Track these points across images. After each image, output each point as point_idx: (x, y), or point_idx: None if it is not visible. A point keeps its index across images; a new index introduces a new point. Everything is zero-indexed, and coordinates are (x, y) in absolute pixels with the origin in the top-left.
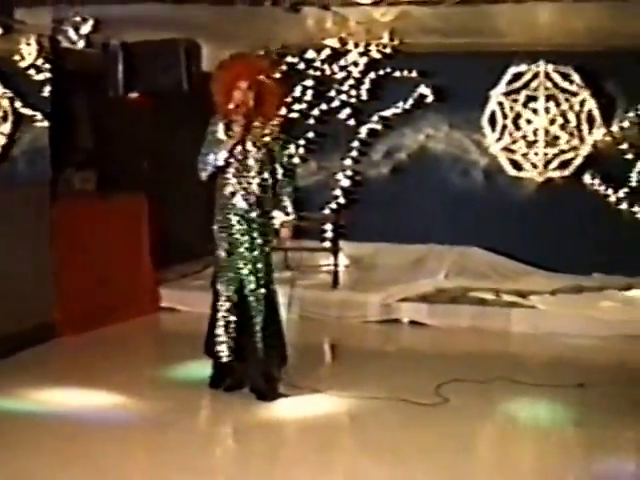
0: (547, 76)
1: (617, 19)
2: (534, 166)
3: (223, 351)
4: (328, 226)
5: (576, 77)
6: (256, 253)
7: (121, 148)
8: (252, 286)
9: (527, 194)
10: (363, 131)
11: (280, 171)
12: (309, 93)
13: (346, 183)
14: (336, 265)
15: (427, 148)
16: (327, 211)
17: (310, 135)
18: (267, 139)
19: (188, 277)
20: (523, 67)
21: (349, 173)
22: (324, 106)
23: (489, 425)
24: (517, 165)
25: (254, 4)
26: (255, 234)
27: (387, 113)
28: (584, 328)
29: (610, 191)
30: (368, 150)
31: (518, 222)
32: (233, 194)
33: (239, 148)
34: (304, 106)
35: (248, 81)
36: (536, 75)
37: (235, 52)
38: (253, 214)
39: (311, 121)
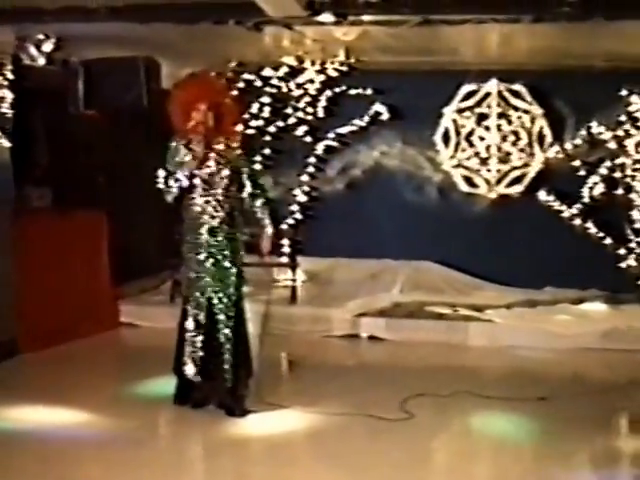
0: (499, 94)
1: (566, 39)
2: (487, 182)
3: (190, 369)
4: (285, 241)
5: (527, 95)
6: (226, 271)
7: (79, 164)
8: (221, 305)
9: (480, 210)
10: (319, 148)
11: (248, 186)
12: (266, 110)
13: (303, 199)
14: (294, 280)
15: (382, 164)
16: (284, 227)
17: (267, 151)
18: (230, 156)
19: (147, 292)
20: (476, 85)
21: (305, 189)
22: (281, 123)
23: (453, 439)
24: (470, 181)
25: (218, 23)
26: (226, 252)
27: (343, 130)
28: (540, 341)
29: (564, 207)
30: (324, 166)
31: (471, 237)
32: (201, 213)
33: (203, 168)
34: (261, 123)
35: (207, 102)
36: (488, 93)
37: (192, 72)
38: (222, 232)
39: (268, 138)
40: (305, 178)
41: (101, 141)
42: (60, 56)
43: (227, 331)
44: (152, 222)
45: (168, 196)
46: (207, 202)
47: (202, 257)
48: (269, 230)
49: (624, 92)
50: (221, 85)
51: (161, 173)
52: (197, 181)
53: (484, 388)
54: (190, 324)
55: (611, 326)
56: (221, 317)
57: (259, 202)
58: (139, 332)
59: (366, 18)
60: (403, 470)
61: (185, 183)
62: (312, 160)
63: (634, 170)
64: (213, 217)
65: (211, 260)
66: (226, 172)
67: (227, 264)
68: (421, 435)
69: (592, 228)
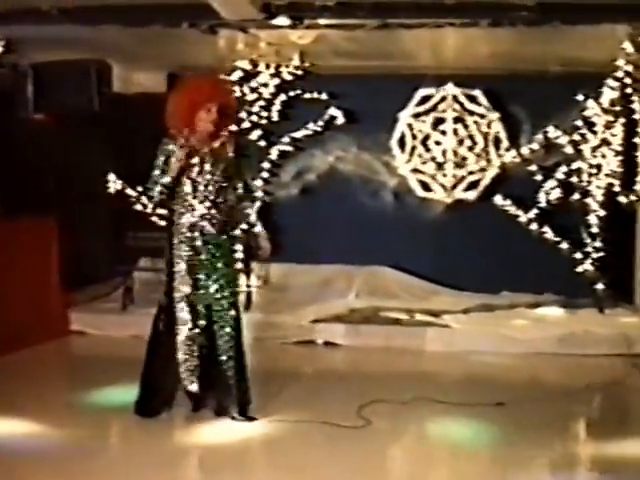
0: (455, 99)
1: (523, 44)
2: (443, 187)
3: (191, 380)
4: (239, 247)
5: (483, 100)
6: (223, 274)
7: (28, 170)
8: (221, 311)
9: (436, 214)
10: (273, 152)
11: (239, 188)
12: None
13: (256, 204)
14: (249, 286)
15: (337, 169)
16: (237, 232)
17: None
18: (225, 157)
19: (98, 300)
20: (431, 90)
21: (260, 194)
22: (234, 127)
23: (411, 446)
24: (426, 186)
25: (171, 25)
26: (222, 254)
27: (297, 134)
28: (497, 346)
29: (520, 212)
30: (278, 171)
31: (427, 242)
32: (200, 218)
33: (200, 172)
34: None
35: (218, 103)
36: (444, 98)
37: (194, 73)
38: (220, 237)
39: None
40: (259, 183)
41: (51, 146)
42: (10, 59)
43: (227, 338)
44: (103, 228)
45: (151, 198)
46: (208, 208)
47: (198, 261)
48: (262, 230)
49: (580, 97)
50: (227, 86)
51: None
52: (188, 183)
53: (441, 394)
54: (183, 333)
55: (568, 331)
56: (221, 323)
57: (249, 203)
58: (90, 340)
59: (322, 22)
60: (361, 477)
61: (166, 180)
62: (266, 165)
63: (590, 175)
64: (213, 223)
65: (208, 264)
66: (220, 174)
67: (223, 266)
68: (379, 442)
69: (548, 233)
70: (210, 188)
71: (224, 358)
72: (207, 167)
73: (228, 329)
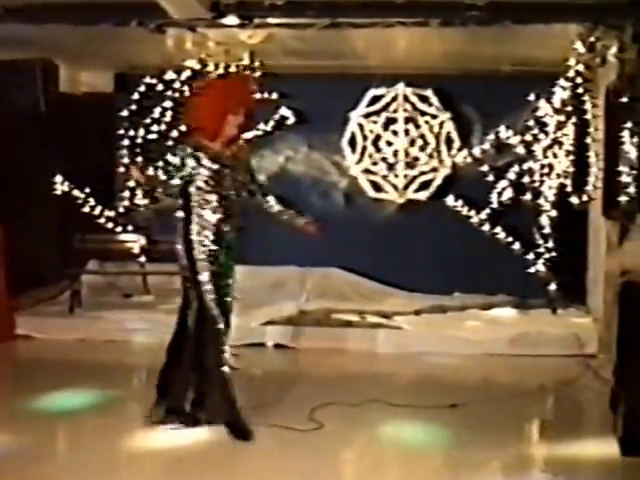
0: (406, 98)
1: (474, 43)
2: (394, 188)
3: None
4: None
5: (435, 100)
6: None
7: None
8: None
9: (388, 215)
10: None
11: (253, 184)
12: (168, 114)
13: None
14: None
15: (287, 170)
16: None
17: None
18: (245, 162)
19: (45, 303)
20: (383, 89)
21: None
22: (183, 127)
23: (363, 449)
24: (377, 187)
25: (119, 24)
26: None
27: (247, 135)
28: (450, 347)
29: (472, 212)
30: None
31: (379, 243)
32: (222, 222)
33: (223, 177)
34: (163, 127)
35: (246, 106)
36: (396, 97)
37: (221, 73)
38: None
39: (170, 143)
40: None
41: None
42: None
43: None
44: (51, 230)
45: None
46: (222, 207)
47: (221, 268)
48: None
49: (532, 97)
50: (253, 88)
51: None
52: (209, 188)
53: (394, 396)
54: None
55: (520, 331)
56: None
57: (269, 199)
58: (36, 344)
59: (272, 21)
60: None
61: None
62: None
63: (542, 175)
64: (228, 218)
65: (230, 262)
66: (239, 177)
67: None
68: (330, 445)
69: (500, 233)
70: (232, 192)
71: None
72: (228, 171)
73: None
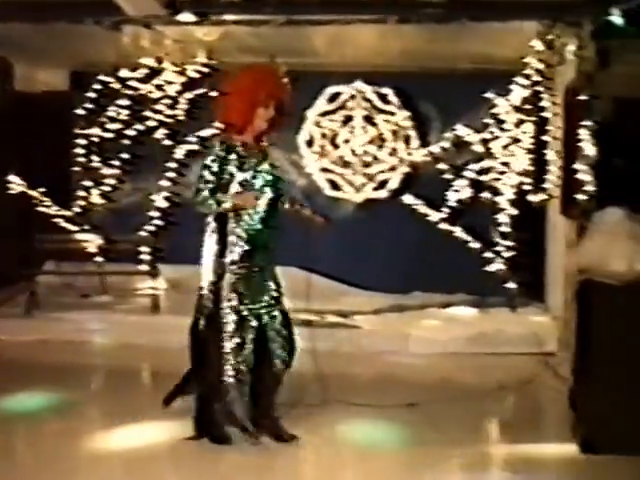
0: (364, 96)
1: (432, 41)
2: (352, 186)
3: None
4: (145, 249)
5: (393, 97)
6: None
7: None
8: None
9: (346, 214)
10: (180, 151)
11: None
12: (124, 113)
13: (163, 204)
14: (155, 289)
15: None
16: (144, 233)
17: (125, 156)
18: (273, 158)
19: (1, 305)
20: (340, 87)
21: (166, 194)
22: (140, 126)
23: (322, 448)
24: (335, 185)
25: (74, 22)
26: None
27: (204, 133)
28: (409, 346)
29: (430, 211)
30: (185, 171)
31: (337, 242)
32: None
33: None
34: (119, 126)
35: (276, 100)
36: (353, 96)
37: (252, 63)
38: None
39: (126, 141)
40: (165, 183)
41: None
42: None
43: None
44: (7, 230)
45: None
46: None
47: (252, 271)
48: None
49: (490, 94)
50: (284, 79)
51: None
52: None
53: (353, 395)
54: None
55: (479, 330)
56: (271, 334)
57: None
58: None
59: (228, 18)
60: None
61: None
62: (172, 165)
63: (500, 173)
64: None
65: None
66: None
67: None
68: (289, 445)
69: (459, 232)
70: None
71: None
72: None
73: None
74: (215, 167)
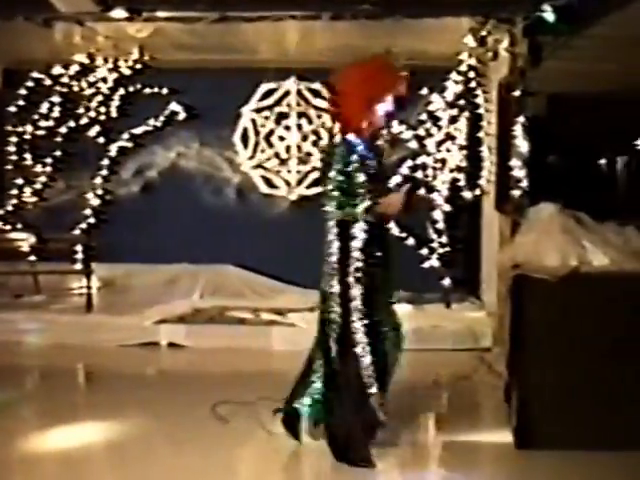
0: (299, 93)
1: (366, 37)
2: (287, 183)
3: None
4: (79, 247)
5: (327, 94)
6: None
7: None
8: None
9: (281, 211)
10: (113, 149)
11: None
12: (56, 110)
13: (96, 202)
14: (89, 288)
15: (178, 166)
16: (77, 232)
17: (58, 153)
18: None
19: None
20: (275, 84)
21: (99, 192)
22: (72, 123)
23: (259, 446)
24: (270, 182)
25: (5, 18)
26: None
27: (137, 130)
28: None
29: None
30: (118, 168)
31: (272, 239)
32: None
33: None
34: (51, 123)
35: (394, 94)
36: (288, 92)
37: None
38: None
39: (59, 139)
40: (98, 181)
41: None
42: None
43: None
44: None
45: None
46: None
47: (375, 276)
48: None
49: (425, 91)
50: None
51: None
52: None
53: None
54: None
55: (415, 326)
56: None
57: None
58: None
59: (161, 14)
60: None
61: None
62: (105, 162)
63: (435, 170)
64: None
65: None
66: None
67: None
68: (227, 443)
69: (394, 229)
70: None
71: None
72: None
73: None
74: (343, 170)
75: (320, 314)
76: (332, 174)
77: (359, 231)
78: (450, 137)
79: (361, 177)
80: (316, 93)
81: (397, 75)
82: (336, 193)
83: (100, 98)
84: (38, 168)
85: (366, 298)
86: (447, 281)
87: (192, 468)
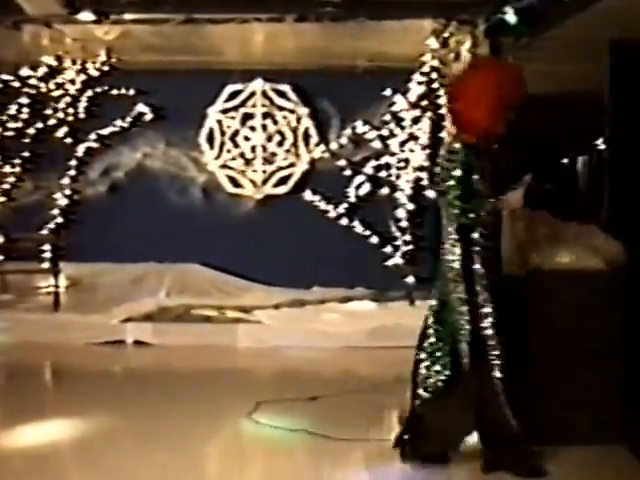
0: (264, 94)
1: (331, 39)
2: (252, 183)
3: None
4: (47, 247)
5: (292, 95)
6: None
7: None
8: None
9: (247, 210)
10: (80, 150)
11: None
12: (25, 111)
13: (64, 202)
14: (57, 287)
15: (145, 166)
16: (45, 232)
17: (26, 154)
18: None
19: None
20: (240, 85)
21: (67, 192)
22: (40, 124)
23: (224, 443)
24: (236, 182)
25: None
26: None
27: (105, 131)
28: (309, 341)
29: (330, 207)
30: (86, 169)
31: (238, 238)
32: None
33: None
34: (19, 125)
35: (517, 101)
36: (253, 93)
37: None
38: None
39: (27, 140)
40: (66, 181)
41: None
42: None
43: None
44: None
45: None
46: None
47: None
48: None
49: (388, 92)
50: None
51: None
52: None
53: (255, 390)
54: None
55: (379, 323)
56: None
57: None
58: None
59: (128, 17)
60: (175, 478)
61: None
62: (73, 162)
63: (398, 169)
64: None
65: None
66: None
67: None
68: (192, 440)
69: (358, 227)
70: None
71: None
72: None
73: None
74: (465, 175)
75: (436, 319)
76: (452, 180)
77: (481, 235)
78: (413, 137)
79: (482, 181)
80: (281, 94)
81: (522, 82)
82: (457, 199)
83: (68, 99)
84: (7, 169)
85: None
86: (411, 279)
87: (159, 464)
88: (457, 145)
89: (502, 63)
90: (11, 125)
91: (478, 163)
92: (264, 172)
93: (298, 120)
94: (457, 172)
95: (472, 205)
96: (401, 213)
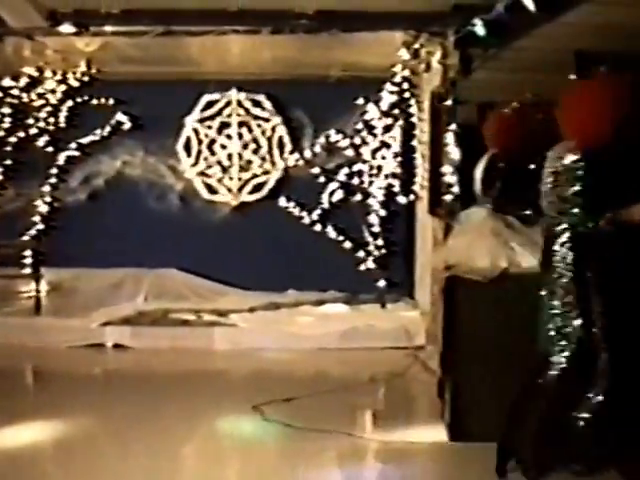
0: (240, 103)
1: (305, 50)
2: (229, 190)
3: None
4: (28, 253)
5: (267, 104)
6: None
7: None
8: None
9: (223, 217)
10: (61, 158)
11: None
12: (7, 121)
13: (45, 209)
14: (38, 291)
15: (124, 174)
16: (27, 238)
17: (8, 162)
18: None
19: None
20: (216, 95)
21: (48, 199)
22: (22, 133)
23: (202, 444)
24: (212, 189)
25: None
26: None
27: (85, 140)
28: (283, 343)
29: (304, 213)
30: (66, 177)
31: (214, 244)
32: None
33: None
34: (1, 134)
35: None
36: (229, 102)
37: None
38: None
39: (9, 148)
40: (47, 189)
41: None
42: None
43: None
44: None
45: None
46: None
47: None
48: None
49: (360, 101)
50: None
51: None
52: None
53: (231, 391)
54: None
55: (351, 325)
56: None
57: None
58: None
59: (108, 29)
60: (153, 478)
61: None
62: (54, 171)
63: (371, 176)
64: None
65: None
66: None
67: None
68: (170, 441)
69: (331, 233)
70: None
71: None
72: None
73: None
74: (586, 184)
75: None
76: (573, 190)
77: (598, 245)
78: (385, 145)
79: (602, 190)
80: (256, 103)
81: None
82: (577, 208)
83: (49, 109)
84: None
85: (609, 313)
86: (382, 282)
87: (138, 467)
88: (576, 157)
89: (618, 79)
90: None
91: (598, 172)
92: (240, 179)
93: (273, 129)
94: (579, 182)
95: (590, 216)
96: (373, 219)
